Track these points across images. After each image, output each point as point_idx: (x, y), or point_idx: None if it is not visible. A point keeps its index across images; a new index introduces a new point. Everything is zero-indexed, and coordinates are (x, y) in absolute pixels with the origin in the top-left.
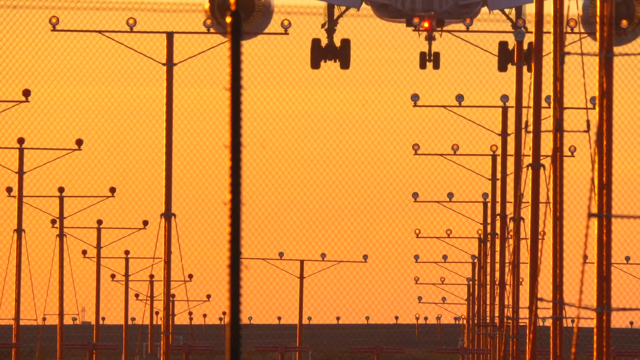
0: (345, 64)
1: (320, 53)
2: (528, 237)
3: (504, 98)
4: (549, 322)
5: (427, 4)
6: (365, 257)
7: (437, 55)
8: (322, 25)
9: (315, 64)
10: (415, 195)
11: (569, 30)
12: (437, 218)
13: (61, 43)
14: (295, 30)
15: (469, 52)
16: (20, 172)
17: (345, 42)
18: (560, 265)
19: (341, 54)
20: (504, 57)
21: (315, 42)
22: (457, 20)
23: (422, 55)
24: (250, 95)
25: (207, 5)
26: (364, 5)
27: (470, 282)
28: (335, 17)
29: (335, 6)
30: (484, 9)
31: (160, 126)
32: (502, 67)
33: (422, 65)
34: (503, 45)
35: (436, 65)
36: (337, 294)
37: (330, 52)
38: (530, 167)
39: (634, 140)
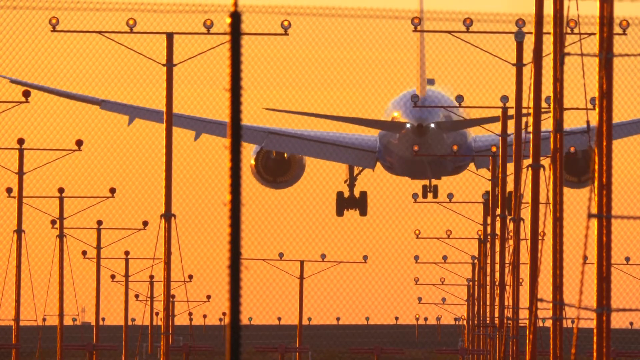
0: (363, 212)
1: (343, 203)
2: (528, 238)
3: (504, 99)
4: (549, 323)
5: (422, 173)
6: (365, 257)
7: (436, 187)
8: (345, 181)
9: (339, 212)
10: (415, 195)
11: (568, 30)
12: (437, 218)
13: (61, 43)
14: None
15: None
16: (20, 173)
17: (363, 194)
18: (560, 266)
19: (360, 204)
20: (491, 206)
21: (339, 194)
22: (452, 174)
23: (424, 187)
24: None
25: (252, 162)
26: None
27: (470, 283)
28: (355, 174)
29: (355, 166)
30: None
31: (160, 126)
32: (491, 214)
33: (424, 195)
34: (486, 197)
35: (435, 195)
36: (337, 295)
37: (351, 202)
38: (530, 168)
39: (634, 140)
